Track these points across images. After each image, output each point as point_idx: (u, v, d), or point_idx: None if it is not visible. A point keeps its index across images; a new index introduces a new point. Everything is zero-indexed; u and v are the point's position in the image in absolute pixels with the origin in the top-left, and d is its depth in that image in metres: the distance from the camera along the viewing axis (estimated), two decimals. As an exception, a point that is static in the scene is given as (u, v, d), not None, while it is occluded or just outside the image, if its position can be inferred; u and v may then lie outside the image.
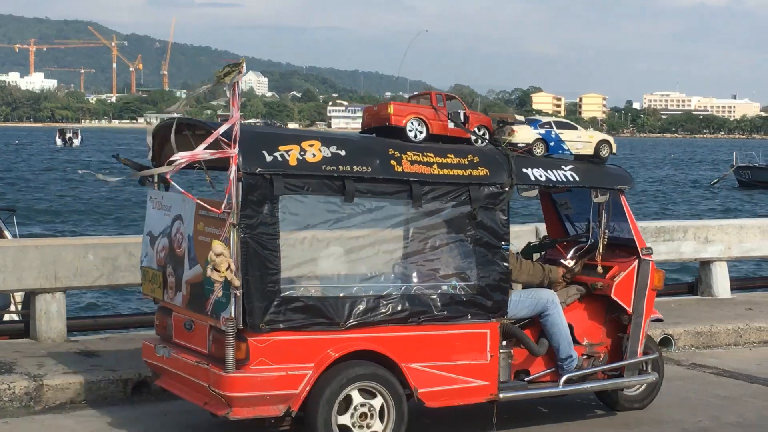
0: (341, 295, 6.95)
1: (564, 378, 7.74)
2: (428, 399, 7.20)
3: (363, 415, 6.99)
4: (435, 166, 7.26)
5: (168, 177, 6.87)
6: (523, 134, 7.78)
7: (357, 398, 6.97)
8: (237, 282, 6.52)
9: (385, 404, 7.04)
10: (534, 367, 7.83)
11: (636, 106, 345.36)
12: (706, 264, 13.08)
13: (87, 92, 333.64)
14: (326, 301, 6.88)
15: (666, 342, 10.85)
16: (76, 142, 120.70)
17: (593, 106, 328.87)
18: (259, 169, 6.59)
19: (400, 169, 7.09)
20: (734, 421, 8.23)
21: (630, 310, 8.02)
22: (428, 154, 7.31)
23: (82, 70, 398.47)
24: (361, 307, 6.94)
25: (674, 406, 8.61)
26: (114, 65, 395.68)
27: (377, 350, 7.03)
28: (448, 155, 7.38)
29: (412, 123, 7.44)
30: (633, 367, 8.05)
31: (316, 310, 6.82)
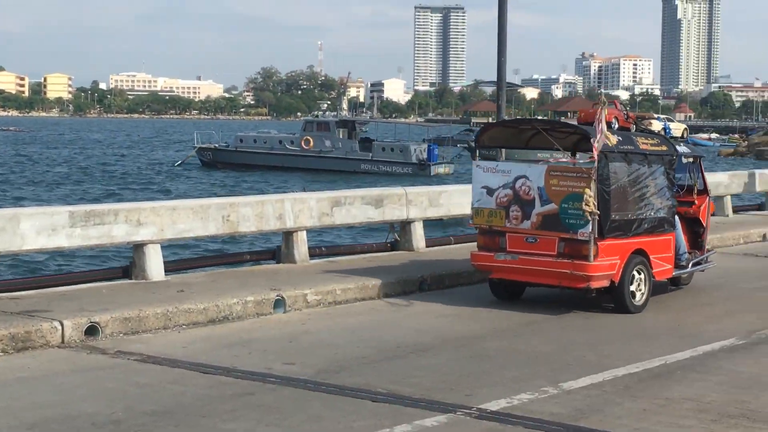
0: (630, 217, 12.32)
1: (691, 263, 13.70)
2: (656, 276, 12.73)
3: (638, 283, 12.33)
4: (649, 145, 12.82)
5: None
6: (656, 125, 17.68)
7: (636, 275, 12.31)
8: (597, 211, 11.72)
9: (645, 277, 12.43)
10: None
11: (103, 86, 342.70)
12: (139, 247, 12.85)
13: None
14: (626, 222, 12.25)
15: (92, 330, 10.44)
16: None
17: (59, 86, 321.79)
18: (602, 151, 11.82)
19: (643, 148, 12.66)
20: (149, 409, 7.99)
21: (705, 225, 14.20)
22: (647, 140, 12.96)
23: None
24: (636, 225, 12.39)
25: (90, 399, 8.24)
26: None
27: (643, 248, 12.46)
28: (651, 140, 13.10)
29: (615, 119, 13.31)
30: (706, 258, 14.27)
31: (623, 227, 12.22)
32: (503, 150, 15.65)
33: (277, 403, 8.25)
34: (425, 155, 61.43)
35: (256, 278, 13.15)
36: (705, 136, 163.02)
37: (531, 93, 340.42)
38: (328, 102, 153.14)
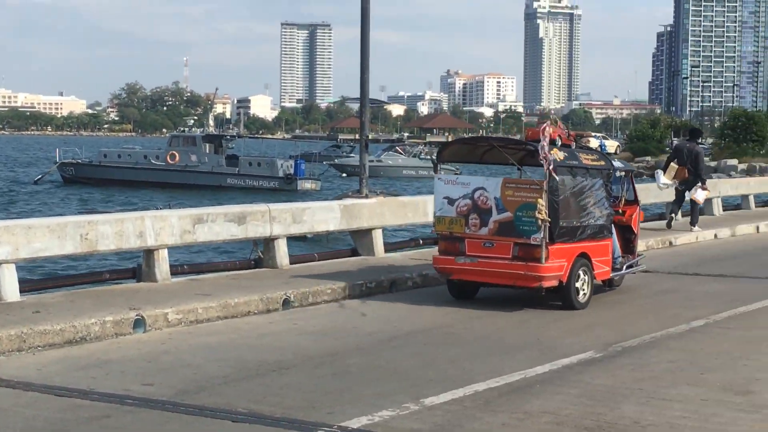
0: (575, 224, 13.82)
1: (625, 266, 15.52)
2: (596, 277, 14.29)
3: (583, 282, 13.82)
4: (590, 160, 14.35)
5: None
6: (593, 143, 23.93)
7: (581, 276, 13.80)
8: (548, 219, 13.17)
9: (588, 278, 13.97)
10: None
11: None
12: (-7, 267, 12.44)
13: None
14: (571, 229, 13.73)
15: (-59, 354, 10.07)
16: None
17: None
18: (552, 165, 13.19)
19: (585, 163, 14.16)
20: (1, 435, 7.75)
21: (636, 232, 16.19)
22: (588, 155, 14.58)
23: None
24: (580, 232, 13.91)
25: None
26: None
27: (586, 252, 13.98)
28: (591, 156, 14.74)
29: (559, 137, 13.99)
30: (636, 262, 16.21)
31: (569, 233, 13.70)
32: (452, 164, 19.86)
33: (134, 425, 8.07)
34: (292, 170, 61.36)
35: (115, 298, 12.87)
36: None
37: (397, 110, 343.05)
38: (195, 118, 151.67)
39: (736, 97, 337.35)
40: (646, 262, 16.72)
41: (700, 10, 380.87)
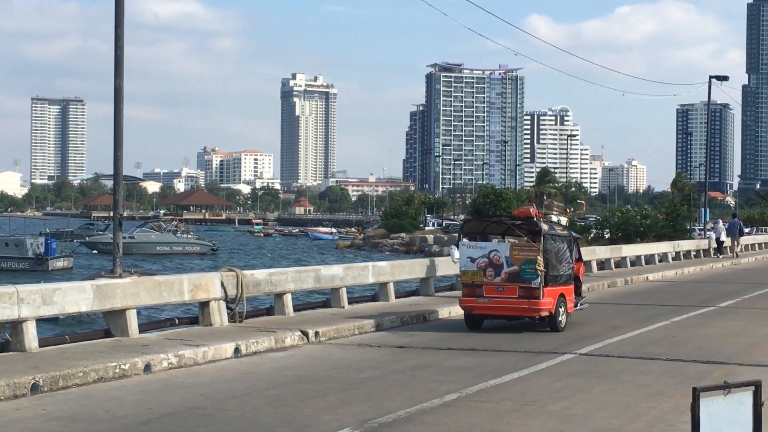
0: (557, 273, 20.03)
1: (579, 303, 21.79)
2: (568, 310, 20.48)
3: (562, 313, 20.16)
4: (560, 231, 21.39)
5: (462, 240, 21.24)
6: (554, 218, 25.40)
7: (561, 309, 19.87)
8: (543, 270, 19.31)
9: (564, 310, 20.20)
10: None
11: None
12: None
13: None
14: (555, 277, 19.91)
15: None
16: None
17: None
18: (542, 234, 19.75)
19: (559, 232, 21.07)
20: None
21: (581, 280, 22.65)
22: (558, 227, 22.30)
23: None
24: (560, 279, 20.14)
25: None
26: None
27: (563, 293, 20.10)
28: (560, 228, 22.59)
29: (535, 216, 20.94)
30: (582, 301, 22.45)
31: (555, 280, 19.81)
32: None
33: None
34: (42, 249, 59.34)
35: None
36: (324, 229, 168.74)
37: (153, 186, 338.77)
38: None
39: (486, 174, 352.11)
40: (401, 337, 16.99)
41: (451, 91, 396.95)
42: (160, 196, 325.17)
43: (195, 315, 19.44)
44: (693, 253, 50.83)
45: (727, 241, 54.35)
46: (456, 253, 24.90)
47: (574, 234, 22.68)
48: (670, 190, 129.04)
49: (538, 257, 19.35)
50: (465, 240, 20.66)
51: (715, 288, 32.81)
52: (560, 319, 19.86)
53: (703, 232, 62.53)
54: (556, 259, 20.14)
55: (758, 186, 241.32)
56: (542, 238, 19.65)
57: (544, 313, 19.56)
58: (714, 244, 54.28)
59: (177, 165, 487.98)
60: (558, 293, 19.89)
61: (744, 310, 25.06)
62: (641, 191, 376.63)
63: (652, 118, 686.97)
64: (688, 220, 77.02)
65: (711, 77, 59.52)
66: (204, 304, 18.81)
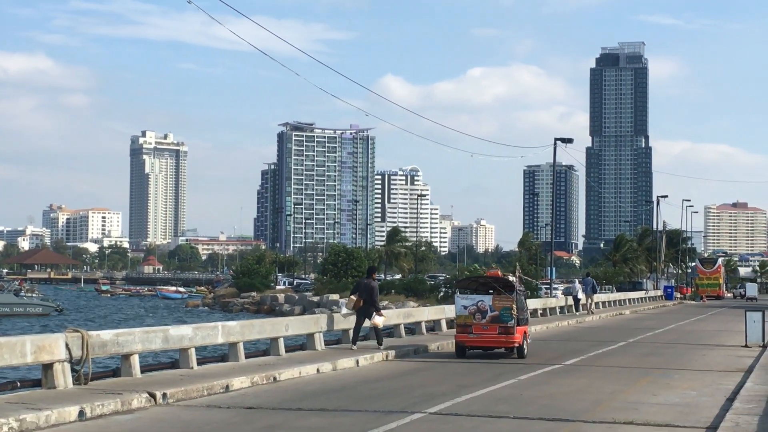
0: (522, 317, 28.79)
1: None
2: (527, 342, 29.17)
3: (525, 344, 28.62)
4: (521, 286, 29.88)
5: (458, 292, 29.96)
6: (512, 278, 29.69)
7: (525, 341, 28.72)
8: (516, 314, 27.46)
9: (525, 343, 28.51)
10: None
11: None
12: None
13: None
14: (522, 319, 28.35)
15: None
16: None
17: None
18: (516, 290, 28.31)
19: (521, 288, 29.64)
20: None
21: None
22: (520, 285, 29.64)
23: None
24: (523, 321, 28.77)
25: None
26: None
27: (525, 330, 28.70)
28: (521, 284, 29.92)
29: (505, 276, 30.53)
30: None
31: (522, 321, 28.27)
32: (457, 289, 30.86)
33: None
34: None
35: None
36: (173, 288, 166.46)
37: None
38: None
39: (337, 233, 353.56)
40: (250, 398, 16.74)
41: (302, 150, 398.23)
42: (3, 254, 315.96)
43: (38, 377, 18.84)
44: (540, 312, 51.80)
45: (583, 298, 57.03)
46: (344, 309, 30.74)
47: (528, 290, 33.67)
48: (517, 249, 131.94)
49: (513, 305, 27.12)
50: (458, 294, 28.69)
51: (561, 345, 33.56)
52: (524, 348, 27.89)
53: (549, 291, 63.97)
54: (522, 307, 28.29)
55: (602, 245, 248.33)
56: (516, 292, 27.59)
57: (516, 344, 27.40)
58: (567, 302, 56.96)
59: (22, 223, 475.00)
60: (524, 331, 27.95)
61: (588, 368, 25.63)
62: (490, 250, 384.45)
63: (501, 179, 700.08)
64: (536, 279, 78.85)
65: (556, 139, 60.24)
66: (47, 366, 18.25)
